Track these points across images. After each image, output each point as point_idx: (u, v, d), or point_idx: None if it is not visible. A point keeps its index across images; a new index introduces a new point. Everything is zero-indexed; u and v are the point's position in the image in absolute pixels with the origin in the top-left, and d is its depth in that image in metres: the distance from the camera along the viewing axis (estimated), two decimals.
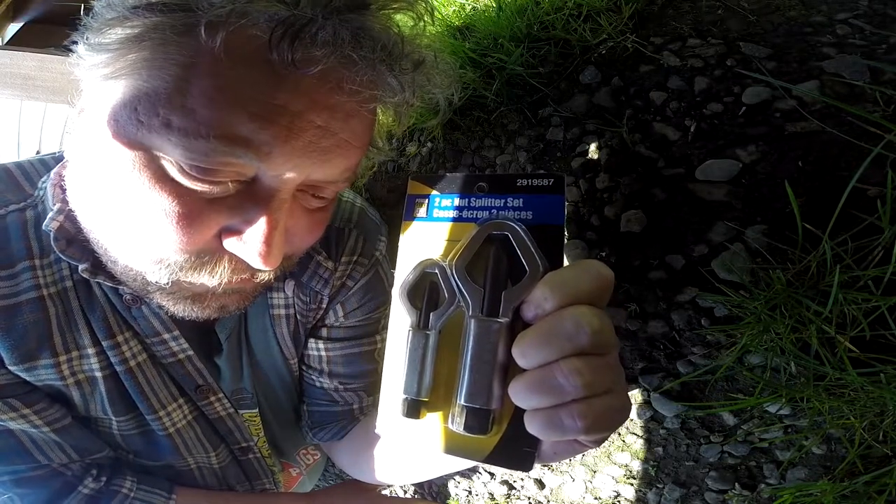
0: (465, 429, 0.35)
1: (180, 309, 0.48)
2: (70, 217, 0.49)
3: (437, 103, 0.48)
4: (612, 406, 0.31)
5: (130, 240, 0.42)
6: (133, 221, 0.40)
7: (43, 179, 0.54)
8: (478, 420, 0.34)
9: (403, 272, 0.39)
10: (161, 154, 0.38)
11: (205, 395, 0.62)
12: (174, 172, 0.38)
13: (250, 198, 0.41)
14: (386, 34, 0.40)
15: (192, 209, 0.39)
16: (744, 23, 0.82)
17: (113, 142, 0.39)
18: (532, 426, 0.32)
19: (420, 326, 0.37)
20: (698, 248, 0.69)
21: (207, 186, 0.39)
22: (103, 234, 0.45)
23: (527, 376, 0.32)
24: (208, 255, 0.42)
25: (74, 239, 0.50)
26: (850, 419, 0.58)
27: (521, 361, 0.32)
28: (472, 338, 0.35)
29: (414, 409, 0.37)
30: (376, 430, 0.39)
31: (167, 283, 0.44)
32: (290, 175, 0.40)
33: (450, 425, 0.36)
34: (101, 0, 0.39)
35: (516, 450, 0.35)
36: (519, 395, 0.32)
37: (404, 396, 0.37)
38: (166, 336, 0.57)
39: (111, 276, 0.50)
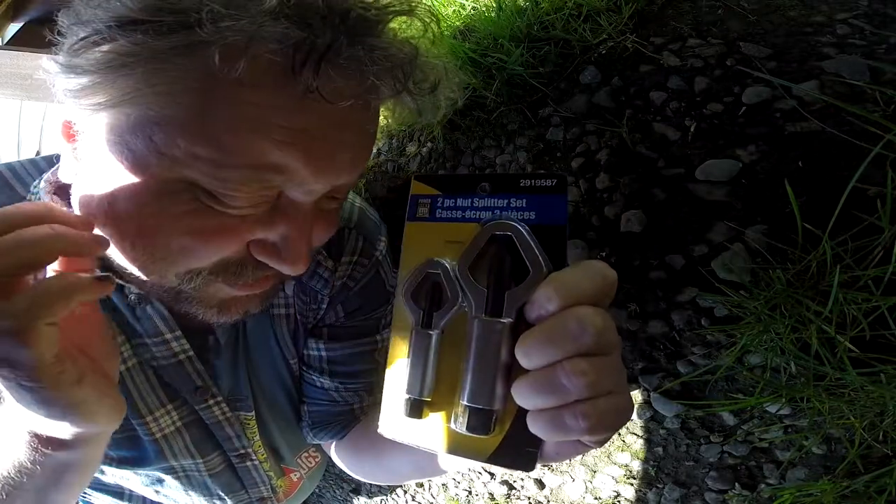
0: (467, 429, 0.35)
1: (208, 316, 0.49)
2: None
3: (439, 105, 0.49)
4: (615, 406, 0.31)
5: (160, 261, 0.42)
6: (162, 245, 0.40)
7: (35, 183, 0.53)
8: (480, 420, 0.34)
9: (406, 272, 0.39)
10: (188, 180, 0.37)
11: (203, 399, 0.62)
12: (203, 197, 0.38)
13: (278, 211, 0.41)
14: (403, 56, 0.39)
15: (222, 227, 0.40)
16: (744, 23, 0.82)
17: (131, 173, 0.37)
18: (535, 426, 0.32)
19: (423, 326, 0.37)
20: (698, 248, 0.69)
21: (232, 205, 0.39)
22: (129, 260, 0.44)
23: (530, 377, 0.32)
24: (232, 260, 0.43)
25: None
26: (850, 419, 0.58)
27: (524, 362, 0.32)
28: (475, 338, 0.35)
29: (416, 408, 0.37)
30: (378, 430, 0.39)
31: (195, 290, 0.45)
32: (316, 188, 0.41)
33: (452, 425, 0.36)
34: (67, 16, 0.36)
35: (519, 450, 0.35)
36: (522, 395, 0.32)
37: (407, 396, 0.37)
38: (168, 336, 0.56)
39: (119, 276, 0.49)
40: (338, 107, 0.37)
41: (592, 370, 0.30)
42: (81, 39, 0.35)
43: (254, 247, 0.43)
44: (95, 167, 0.40)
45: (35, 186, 0.53)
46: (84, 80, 0.35)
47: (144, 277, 0.44)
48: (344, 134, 0.40)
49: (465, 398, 0.35)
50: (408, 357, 0.38)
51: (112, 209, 0.40)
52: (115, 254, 0.45)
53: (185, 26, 0.33)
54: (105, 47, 0.34)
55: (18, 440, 0.38)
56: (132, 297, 0.53)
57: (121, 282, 0.50)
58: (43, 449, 0.39)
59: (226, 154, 0.36)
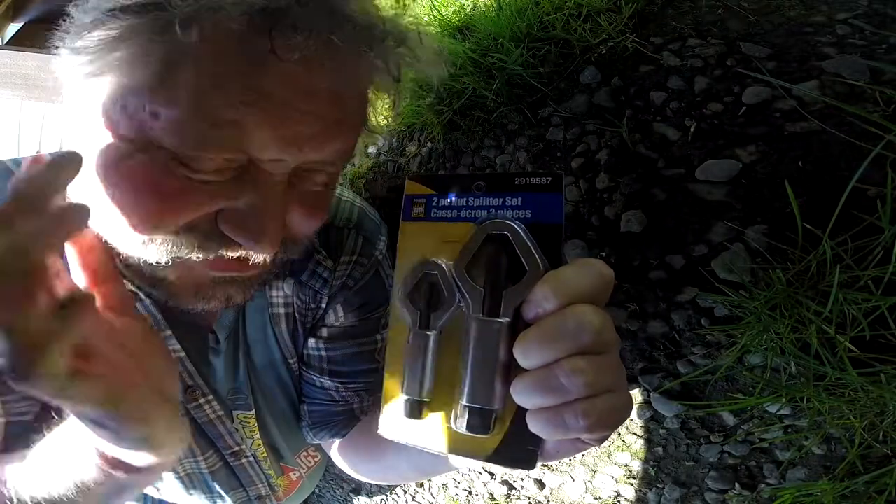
0: (467, 429, 0.34)
1: (186, 302, 0.48)
2: None
3: (429, 81, 0.49)
4: (614, 404, 0.32)
5: (127, 225, 0.43)
6: (129, 207, 0.41)
7: None
8: (480, 420, 0.34)
9: (402, 273, 0.39)
10: (153, 143, 0.39)
11: (193, 398, 0.61)
12: (167, 160, 0.39)
13: (246, 182, 0.41)
14: (365, 15, 0.40)
15: (183, 190, 0.40)
16: (744, 23, 0.82)
17: (105, 136, 0.40)
18: (535, 426, 0.32)
19: (420, 327, 0.37)
20: (698, 248, 0.69)
21: (195, 168, 0.40)
22: (104, 227, 0.46)
23: (529, 376, 0.32)
24: (196, 230, 0.43)
25: None
26: (850, 419, 0.58)
27: (522, 362, 0.32)
28: (473, 338, 0.35)
29: (416, 409, 0.37)
30: (378, 431, 0.39)
31: (167, 264, 0.44)
32: (282, 159, 0.41)
33: (452, 425, 0.36)
34: (77, 5, 0.40)
35: (519, 448, 0.35)
36: (521, 395, 0.32)
37: (406, 397, 0.37)
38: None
39: None
40: (300, 70, 0.38)
41: (591, 369, 0.30)
42: (85, 25, 0.39)
43: (220, 218, 0.42)
44: (77, 135, 0.43)
45: None
46: (85, 58, 0.39)
47: (120, 251, 0.45)
48: (311, 101, 0.40)
49: (465, 398, 0.35)
50: (406, 358, 0.38)
51: (89, 177, 0.42)
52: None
53: (162, 7, 0.36)
54: (102, 29, 0.38)
55: (85, 458, 0.39)
56: None
57: None
58: (108, 469, 0.39)
59: (185, 112, 0.37)
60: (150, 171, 0.40)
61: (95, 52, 0.38)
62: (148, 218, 0.41)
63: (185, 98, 0.37)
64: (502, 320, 0.34)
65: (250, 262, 0.46)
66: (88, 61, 0.39)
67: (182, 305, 0.49)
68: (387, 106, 0.50)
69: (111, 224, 0.44)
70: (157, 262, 0.44)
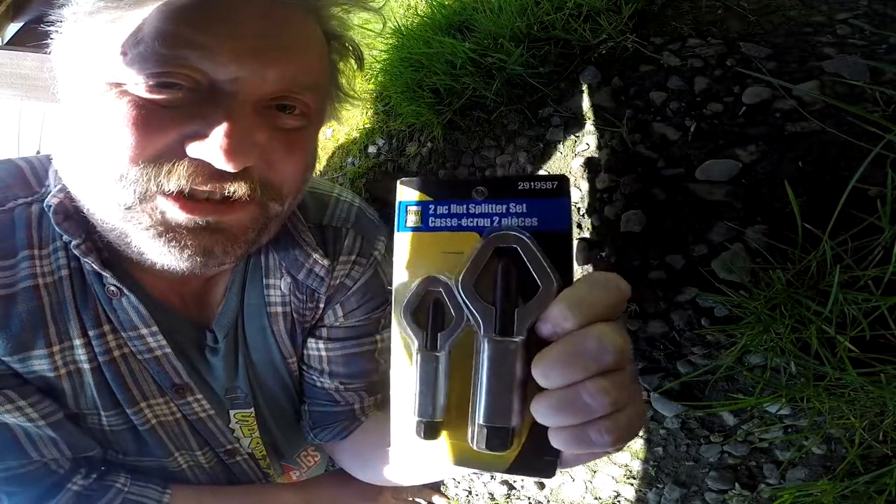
0: (487, 447, 0.34)
1: (160, 254, 0.47)
2: (69, 196, 0.50)
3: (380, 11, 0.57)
4: (634, 417, 0.32)
5: (94, 164, 0.45)
6: (101, 143, 0.44)
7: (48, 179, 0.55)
8: (499, 438, 0.34)
9: (402, 290, 0.37)
10: (123, 79, 0.43)
11: (181, 395, 0.61)
12: (132, 89, 0.43)
13: (211, 103, 0.44)
14: None
15: (148, 116, 0.43)
16: (744, 23, 0.82)
17: (86, 92, 0.44)
18: (558, 442, 0.32)
19: (428, 348, 0.36)
20: (698, 248, 0.69)
21: (161, 94, 0.42)
22: (74, 175, 0.48)
23: (551, 396, 0.32)
24: (165, 158, 0.44)
25: (72, 216, 0.51)
26: (850, 419, 0.58)
27: (543, 382, 0.32)
28: (486, 358, 0.34)
29: (431, 431, 0.36)
30: (390, 453, 0.37)
31: (135, 204, 0.44)
32: (241, 75, 0.43)
33: (470, 444, 0.35)
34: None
35: (538, 459, 0.34)
36: (544, 415, 0.32)
37: (419, 419, 0.36)
38: (144, 331, 0.56)
39: (100, 260, 0.52)
40: (247, 4, 0.44)
41: (614, 388, 0.31)
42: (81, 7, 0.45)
43: (188, 143, 0.44)
44: (65, 98, 0.48)
45: (47, 181, 0.55)
46: (82, 24, 0.45)
47: (94, 209, 0.48)
48: (266, 26, 0.44)
49: (482, 418, 0.34)
50: (415, 379, 0.36)
51: (67, 132, 0.47)
52: (88, 213, 0.49)
53: None
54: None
55: None
56: (111, 287, 0.53)
57: (96, 267, 0.51)
58: None
59: (147, 41, 0.42)
60: (120, 104, 0.43)
61: (87, 18, 0.44)
62: (119, 148, 0.43)
63: (147, 33, 0.42)
64: (517, 340, 0.33)
65: (227, 197, 0.46)
66: (88, 20, 0.44)
67: (157, 261, 0.48)
68: (354, 70, 0.57)
69: (87, 171, 0.46)
70: (126, 203, 0.45)
